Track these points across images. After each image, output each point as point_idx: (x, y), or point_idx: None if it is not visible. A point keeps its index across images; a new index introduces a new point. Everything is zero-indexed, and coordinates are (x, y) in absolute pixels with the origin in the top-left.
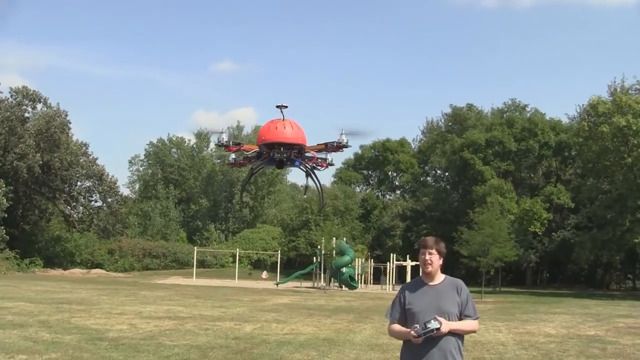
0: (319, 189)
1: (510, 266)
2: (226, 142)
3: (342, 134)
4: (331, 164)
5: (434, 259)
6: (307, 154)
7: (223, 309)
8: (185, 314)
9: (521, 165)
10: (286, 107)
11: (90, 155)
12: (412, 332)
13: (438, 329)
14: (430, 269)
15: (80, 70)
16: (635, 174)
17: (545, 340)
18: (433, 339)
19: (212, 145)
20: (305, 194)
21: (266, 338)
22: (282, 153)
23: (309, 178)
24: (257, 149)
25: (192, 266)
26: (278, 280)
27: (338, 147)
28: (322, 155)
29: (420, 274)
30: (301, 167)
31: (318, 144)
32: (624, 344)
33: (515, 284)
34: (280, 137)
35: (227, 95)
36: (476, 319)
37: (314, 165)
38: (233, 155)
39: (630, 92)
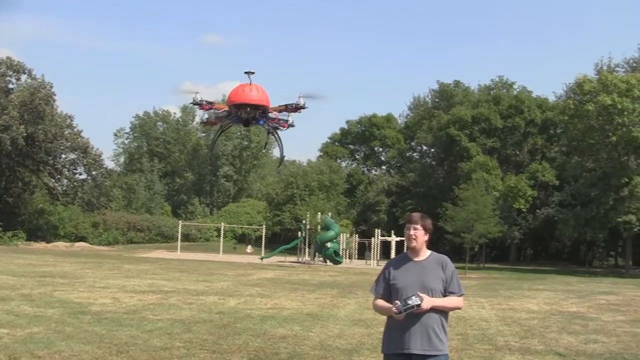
0: (280, 147)
1: (494, 242)
2: (200, 100)
3: (300, 96)
4: (292, 125)
5: (419, 235)
6: (270, 115)
7: (207, 283)
8: (169, 288)
9: (507, 142)
10: (253, 73)
11: (75, 127)
12: (394, 309)
13: (419, 305)
14: (414, 244)
15: (66, 42)
16: (619, 152)
17: (527, 316)
18: (415, 315)
19: (197, 119)
20: (264, 149)
21: (250, 313)
22: (248, 113)
23: (271, 135)
24: (227, 108)
25: (177, 240)
26: (263, 255)
27: (296, 108)
28: (283, 116)
29: (406, 250)
30: (265, 125)
31: (279, 105)
32: (606, 321)
33: (499, 261)
34: (247, 98)
35: (215, 68)
36: (461, 295)
37: (276, 125)
38: (206, 115)
39: (617, 69)
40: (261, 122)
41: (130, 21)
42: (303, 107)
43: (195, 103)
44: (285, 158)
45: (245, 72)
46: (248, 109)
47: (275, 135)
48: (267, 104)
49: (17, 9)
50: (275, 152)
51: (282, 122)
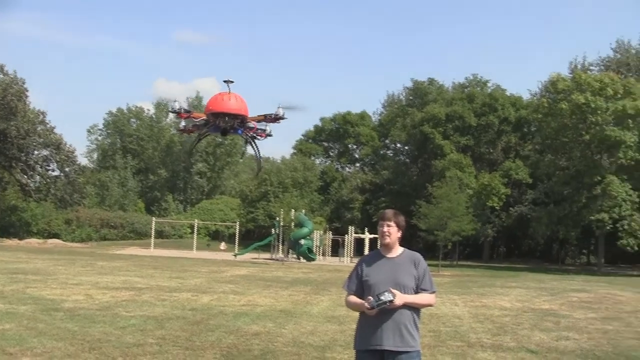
0: (258, 156)
1: (467, 240)
2: (178, 109)
3: (279, 107)
4: (269, 135)
5: (392, 231)
6: (248, 124)
7: (180, 280)
8: (142, 285)
9: (481, 140)
10: (232, 82)
11: (48, 123)
12: (366, 304)
13: (391, 301)
14: (388, 240)
15: (39, 38)
16: (592, 151)
17: (500, 313)
18: (388, 311)
19: (171, 116)
20: (241, 159)
21: (223, 309)
22: (226, 122)
23: (249, 145)
24: (205, 117)
25: (150, 237)
26: (236, 252)
27: (276, 118)
28: (261, 126)
29: (379, 247)
30: (243, 135)
31: (258, 115)
32: (577, 318)
33: (472, 258)
34: (225, 107)
35: (189, 65)
36: (433, 293)
37: (254, 134)
38: (183, 122)
39: (592, 68)
40: (239, 131)
41: (103, 17)
42: (282, 118)
43: (173, 111)
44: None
45: (225, 81)
46: (226, 118)
47: (253, 144)
48: (246, 114)
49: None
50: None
51: (260, 131)
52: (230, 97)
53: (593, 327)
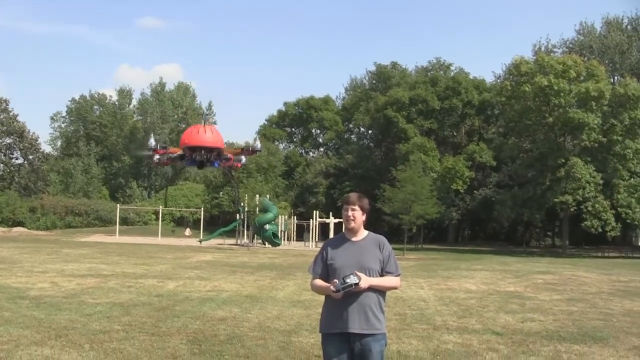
0: (236, 187)
1: (432, 223)
2: (154, 146)
3: (256, 139)
4: (244, 164)
5: (357, 215)
6: (225, 156)
7: (146, 267)
8: (108, 272)
9: (444, 123)
10: (208, 114)
11: (11, 111)
12: (332, 287)
13: (357, 284)
14: (352, 224)
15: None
16: (556, 133)
17: (465, 296)
18: (353, 294)
19: (134, 102)
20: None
21: (189, 295)
22: (202, 155)
23: (226, 175)
24: (180, 151)
25: (115, 224)
26: (202, 238)
27: (253, 151)
28: (237, 158)
29: (343, 230)
30: (219, 167)
31: (235, 149)
32: (542, 300)
33: (437, 241)
34: (201, 141)
35: (152, 51)
36: (397, 275)
37: (231, 165)
38: (157, 156)
39: (555, 50)
40: (216, 164)
41: (66, 3)
42: (259, 150)
43: (149, 149)
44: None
45: (200, 114)
46: (202, 152)
47: (230, 174)
48: (222, 146)
49: None
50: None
51: (236, 161)
52: (206, 130)
53: (558, 308)
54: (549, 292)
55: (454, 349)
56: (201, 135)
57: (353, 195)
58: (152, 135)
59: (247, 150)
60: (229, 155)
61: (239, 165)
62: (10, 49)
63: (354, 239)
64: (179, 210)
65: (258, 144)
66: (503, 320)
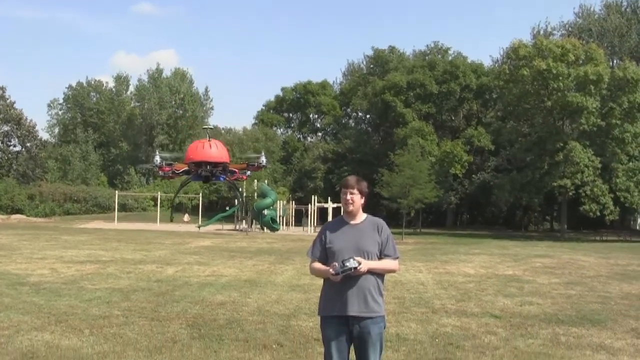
0: (242, 201)
1: (430, 208)
2: (160, 163)
3: (261, 155)
4: (249, 176)
5: (356, 199)
6: (230, 170)
7: (145, 252)
8: (107, 258)
9: (442, 107)
10: (212, 128)
11: (8, 99)
12: (331, 270)
13: (356, 268)
14: (351, 208)
15: None
16: (554, 117)
17: (464, 280)
18: (352, 277)
19: (131, 88)
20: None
21: (188, 280)
22: (207, 170)
23: (232, 191)
24: (186, 167)
25: (114, 210)
26: (200, 223)
27: (258, 167)
28: (243, 172)
29: (342, 214)
30: (225, 181)
31: (240, 163)
32: (541, 283)
33: (435, 226)
34: (206, 156)
35: (148, 37)
36: (396, 258)
37: (237, 179)
38: (162, 172)
39: (554, 33)
40: (221, 178)
41: None
42: (264, 166)
43: (155, 166)
44: (222, 126)
45: (204, 128)
46: (208, 167)
47: (235, 188)
48: (227, 160)
49: None
50: (212, 120)
51: (242, 174)
52: (211, 145)
53: (556, 292)
54: (547, 276)
55: (452, 332)
56: (206, 150)
57: (351, 179)
58: (157, 153)
59: (253, 165)
60: (235, 169)
61: (245, 177)
62: (6, 36)
63: (352, 222)
64: (178, 196)
65: (263, 159)
66: (501, 304)
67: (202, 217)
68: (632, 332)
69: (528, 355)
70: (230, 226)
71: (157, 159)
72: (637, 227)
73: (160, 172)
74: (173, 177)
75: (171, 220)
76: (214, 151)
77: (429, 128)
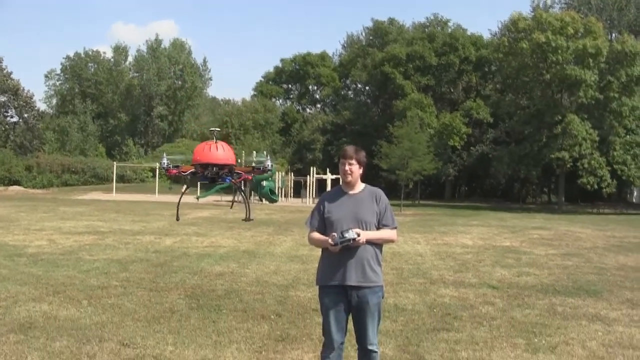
0: (247, 203)
1: (429, 180)
2: (167, 165)
3: (267, 159)
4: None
5: (354, 169)
6: (236, 172)
7: (143, 223)
8: (105, 229)
9: (441, 80)
10: (219, 130)
11: (5, 69)
12: (330, 241)
13: (354, 239)
14: (350, 178)
15: None
16: (553, 90)
17: (462, 251)
18: (351, 248)
19: (130, 59)
20: (231, 208)
21: (186, 251)
22: (214, 172)
23: (238, 194)
24: (192, 169)
25: (112, 181)
26: (199, 194)
27: (264, 170)
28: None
29: (341, 184)
30: (231, 182)
31: (246, 167)
32: (538, 254)
33: (434, 197)
34: (213, 158)
35: (146, 8)
36: (394, 228)
37: (243, 180)
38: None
39: (554, 6)
40: (227, 179)
41: None
42: (270, 170)
43: (162, 168)
44: (220, 98)
45: (211, 130)
46: (214, 168)
47: (240, 191)
48: (233, 162)
49: None
50: (211, 92)
51: (247, 175)
52: (217, 147)
53: (553, 262)
54: (544, 247)
55: (450, 302)
56: (213, 152)
57: (350, 149)
58: (164, 155)
59: (258, 169)
60: (241, 172)
61: (250, 178)
62: (3, 6)
63: (350, 192)
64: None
65: (269, 163)
66: (499, 275)
67: (200, 188)
68: (627, 302)
69: (525, 325)
70: (229, 197)
71: (165, 161)
72: (634, 200)
73: (167, 174)
74: (179, 176)
75: (177, 220)
76: (221, 153)
77: (428, 100)
